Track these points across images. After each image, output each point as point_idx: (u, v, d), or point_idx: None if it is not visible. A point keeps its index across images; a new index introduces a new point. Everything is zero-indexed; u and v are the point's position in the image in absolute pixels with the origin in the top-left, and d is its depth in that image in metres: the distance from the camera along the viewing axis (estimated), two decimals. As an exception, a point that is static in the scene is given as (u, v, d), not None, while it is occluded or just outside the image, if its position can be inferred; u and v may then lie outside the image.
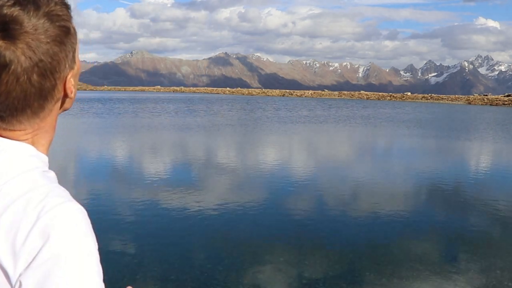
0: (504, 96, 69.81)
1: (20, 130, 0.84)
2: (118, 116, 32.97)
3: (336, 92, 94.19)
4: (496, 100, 65.76)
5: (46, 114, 0.86)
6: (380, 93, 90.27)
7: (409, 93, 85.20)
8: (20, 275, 0.71)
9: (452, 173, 12.90)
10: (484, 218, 8.13)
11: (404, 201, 9.32)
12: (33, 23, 0.77)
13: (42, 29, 0.78)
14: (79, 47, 0.85)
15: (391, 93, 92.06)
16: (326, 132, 24.79)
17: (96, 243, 0.78)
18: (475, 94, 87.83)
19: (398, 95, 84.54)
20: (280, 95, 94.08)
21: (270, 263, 5.85)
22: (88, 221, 0.79)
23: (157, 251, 6.23)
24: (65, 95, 0.87)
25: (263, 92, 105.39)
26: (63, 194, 0.80)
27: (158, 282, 5.26)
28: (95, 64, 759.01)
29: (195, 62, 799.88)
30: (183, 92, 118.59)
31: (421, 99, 77.76)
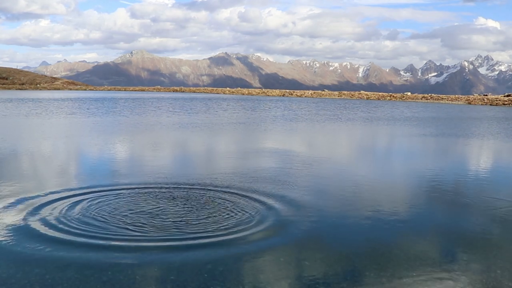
0: (504, 96, 69.82)
1: None
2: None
3: (336, 92, 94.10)
4: (496, 100, 65.74)
5: None
6: (380, 93, 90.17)
7: (409, 93, 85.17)
8: None
9: (454, 173, 12.90)
10: (484, 218, 8.12)
11: (405, 201, 9.32)
12: None
13: None
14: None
15: (391, 93, 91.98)
16: (331, 131, 24.77)
17: None
18: (475, 94, 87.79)
19: (398, 95, 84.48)
20: (280, 95, 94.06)
21: (270, 263, 5.86)
22: None
23: (157, 250, 6.23)
24: None
25: (263, 92, 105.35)
26: None
27: (158, 282, 5.26)
28: (96, 64, 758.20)
29: (195, 62, 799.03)
30: (183, 92, 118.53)
31: (421, 99, 77.69)
